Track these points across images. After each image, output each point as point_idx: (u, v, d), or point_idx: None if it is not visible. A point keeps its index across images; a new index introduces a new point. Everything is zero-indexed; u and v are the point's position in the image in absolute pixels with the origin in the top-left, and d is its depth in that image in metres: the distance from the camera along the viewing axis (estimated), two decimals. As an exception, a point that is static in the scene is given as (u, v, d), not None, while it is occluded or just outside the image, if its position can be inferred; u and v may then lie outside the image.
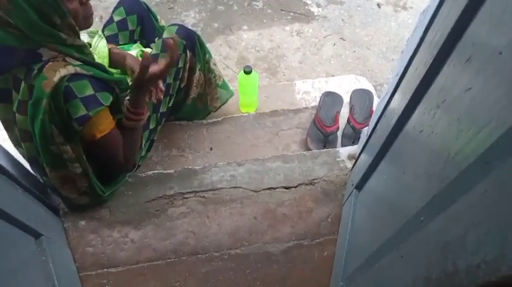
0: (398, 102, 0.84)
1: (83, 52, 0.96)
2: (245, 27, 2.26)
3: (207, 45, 2.11)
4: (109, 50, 1.22)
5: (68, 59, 0.92)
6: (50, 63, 0.89)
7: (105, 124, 0.99)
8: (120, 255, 1.16)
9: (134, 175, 1.30)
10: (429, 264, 0.45)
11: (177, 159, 1.47)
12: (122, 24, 1.37)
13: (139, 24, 1.41)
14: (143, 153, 1.29)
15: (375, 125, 1.05)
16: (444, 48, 0.64)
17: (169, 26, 1.31)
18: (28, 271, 0.90)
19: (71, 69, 0.90)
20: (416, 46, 0.82)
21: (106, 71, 1.01)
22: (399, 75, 0.90)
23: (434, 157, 0.55)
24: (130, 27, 1.39)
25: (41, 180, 1.15)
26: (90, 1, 0.94)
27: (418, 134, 0.68)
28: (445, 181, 0.49)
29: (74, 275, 1.12)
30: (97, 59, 1.16)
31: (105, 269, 1.15)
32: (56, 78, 0.87)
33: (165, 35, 1.27)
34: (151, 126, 1.29)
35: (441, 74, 0.64)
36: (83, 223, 1.21)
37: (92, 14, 0.96)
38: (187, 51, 1.30)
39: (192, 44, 1.31)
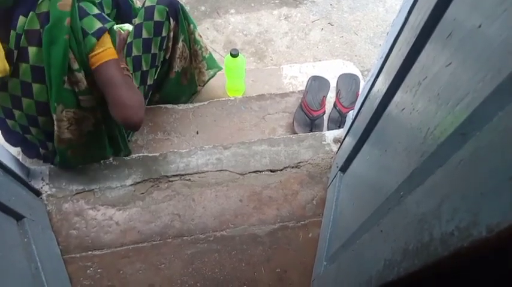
0: (382, 83, 0.85)
1: None
2: (232, 10, 2.23)
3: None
4: None
5: None
6: None
7: (110, 43, 1.02)
8: (105, 238, 1.16)
9: (119, 158, 1.28)
10: (407, 236, 0.46)
11: (163, 142, 1.45)
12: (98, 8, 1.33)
13: (114, 6, 1.38)
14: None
15: (360, 108, 1.05)
16: (427, 26, 0.64)
17: None
18: (10, 253, 0.89)
19: None
20: (401, 27, 0.82)
21: None
22: (383, 57, 0.91)
23: (415, 133, 0.56)
24: (106, 11, 1.36)
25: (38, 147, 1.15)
26: None
27: (400, 112, 0.68)
28: (424, 155, 0.50)
29: (58, 257, 1.11)
30: None
31: (90, 252, 1.14)
32: None
33: (147, 3, 1.27)
34: None
35: (423, 52, 0.64)
36: (66, 205, 1.19)
37: None
38: (171, 19, 1.28)
39: (175, 12, 1.29)
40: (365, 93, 1.03)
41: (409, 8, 0.80)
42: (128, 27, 1.32)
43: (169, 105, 1.53)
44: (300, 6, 2.25)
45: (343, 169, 1.08)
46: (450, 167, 0.40)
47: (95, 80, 1.03)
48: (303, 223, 1.19)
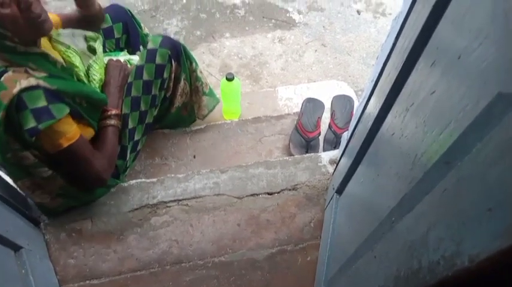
0: (374, 107, 0.86)
1: (46, 62, 0.95)
2: (227, 34, 2.28)
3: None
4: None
5: (30, 70, 0.91)
6: (10, 73, 0.88)
7: (70, 132, 0.98)
8: (103, 266, 1.15)
9: (116, 185, 1.29)
10: (398, 263, 0.47)
11: (160, 167, 1.46)
12: (108, 32, 1.37)
13: (124, 32, 1.42)
14: (128, 164, 1.29)
15: (354, 130, 1.07)
16: (413, 53, 0.66)
17: (154, 36, 1.31)
18: (7, 285, 0.89)
19: (32, 82, 0.89)
20: (389, 52, 0.84)
21: (79, 84, 1.02)
22: (374, 80, 0.93)
23: (404, 159, 0.57)
24: (116, 35, 1.40)
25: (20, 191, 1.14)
26: (34, 6, 0.85)
27: (391, 137, 0.69)
28: (413, 181, 0.51)
29: (56, 287, 1.10)
30: (95, 74, 1.17)
31: (88, 281, 1.13)
32: (15, 90, 0.86)
33: (149, 45, 1.27)
34: (137, 137, 1.29)
35: (410, 78, 0.66)
36: (64, 234, 1.19)
37: (41, 18, 0.88)
38: (172, 61, 1.30)
39: (177, 54, 1.31)
40: (358, 115, 1.05)
41: (396, 33, 0.83)
42: (134, 61, 1.35)
43: (166, 130, 1.55)
44: (293, 28, 2.30)
45: (339, 190, 1.09)
46: (435, 195, 0.41)
47: (47, 156, 1.00)
48: (301, 246, 1.19)
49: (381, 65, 0.89)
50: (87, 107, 1.05)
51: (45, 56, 0.95)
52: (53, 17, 1.17)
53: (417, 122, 0.55)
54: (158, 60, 1.25)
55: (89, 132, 1.10)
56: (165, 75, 1.29)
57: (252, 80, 2.10)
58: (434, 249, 0.37)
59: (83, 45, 1.16)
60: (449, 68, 0.49)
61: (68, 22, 1.19)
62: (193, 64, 1.40)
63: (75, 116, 1.01)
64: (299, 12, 2.36)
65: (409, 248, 0.44)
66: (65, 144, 0.98)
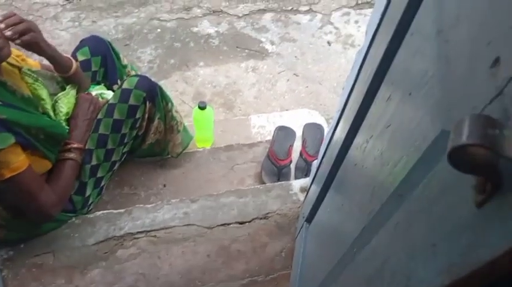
0: (339, 136, 0.88)
1: (3, 90, 0.94)
2: (201, 63, 2.30)
3: (163, 81, 2.13)
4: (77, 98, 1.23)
5: None
6: None
7: (15, 162, 0.95)
8: (64, 303, 1.10)
9: (81, 216, 1.25)
10: (358, 296, 0.47)
11: (129, 197, 1.43)
12: (86, 65, 1.35)
13: (102, 65, 1.39)
14: (91, 199, 1.25)
15: (322, 157, 1.08)
16: (372, 87, 0.68)
17: (131, 76, 1.29)
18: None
19: None
20: (353, 84, 0.87)
21: (34, 116, 1.00)
22: (340, 111, 0.95)
23: (365, 190, 0.58)
24: (94, 68, 1.37)
25: None
26: None
27: (354, 167, 0.71)
28: (371, 213, 0.52)
29: (11, 328, 1.03)
30: (62, 107, 1.15)
31: (47, 320, 1.07)
32: None
33: (125, 85, 1.25)
34: (101, 174, 1.25)
35: (370, 110, 0.68)
36: (23, 270, 1.13)
37: None
38: (147, 102, 1.27)
39: (152, 95, 1.28)
40: (326, 143, 1.06)
41: (359, 66, 0.86)
42: (107, 95, 1.33)
43: (136, 159, 1.52)
44: (266, 58, 2.35)
45: (309, 219, 1.09)
46: (389, 228, 0.41)
47: None
48: (272, 276, 1.17)
49: (346, 96, 0.92)
50: (45, 139, 1.03)
51: (3, 84, 0.94)
52: (34, 63, 1.16)
53: (375, 154, 0.57)
54: (132, 101, 1.23)
55: (44, 165, 1.07)
56: (138, 115, 1.26)
57: (225, 108, 2.12)
58: (388, 283, 0.37)
59: (54, 89, 1.17)
60: (402, 103, 0.51)
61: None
62: (169, 104, 1.38)
63: (27, 147, 0.99)
64: (272, 43, 2.42)
65: (368, 281, 0.44)
66: (7, 174, 0.94)
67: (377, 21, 0.73)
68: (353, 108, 0.78)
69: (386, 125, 0.55)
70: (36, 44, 1.01)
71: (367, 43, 0.83)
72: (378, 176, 0.53)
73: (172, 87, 2.15)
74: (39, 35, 1.02)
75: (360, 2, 2.55)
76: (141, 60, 2.26)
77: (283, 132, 1.65)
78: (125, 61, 1.50)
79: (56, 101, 1.16)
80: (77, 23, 2.37)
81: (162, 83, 2.19)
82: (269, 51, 2.38)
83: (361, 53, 0.88)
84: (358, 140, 0.71)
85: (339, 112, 0.99)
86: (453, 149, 0.23)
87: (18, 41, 0.95)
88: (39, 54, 1.07)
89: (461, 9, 0.35)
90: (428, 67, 0.42)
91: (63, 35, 2.31)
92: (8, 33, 0.92)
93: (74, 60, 1.20)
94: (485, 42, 0.29)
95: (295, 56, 2.37)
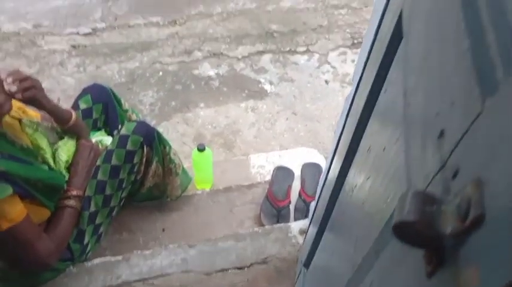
0: (330, 182, 0.89)
1: (2, 141, 0.97)
2: (202, 104, 2.35)
3: (164, 123, 2.17)
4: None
5: None
6: None
7: (12, 213, 0.96)
8: None
9: (79, 264, 1.24)
10: None
11: (128, 243, 1.42)
12: (87, 113, 1.39)
13: (104, 112, 1.44)
14: (89, 247, 1.25)
15: (318, 199, 1.08)
16: (355, 137, 0.70)
17: (128, 122, 1.32)
18: None
19: None
20: (341, 132, 0.89)
21: (32, 168, 1.02)
22: (330, 159, 0.96)
23: (349, 241, 0.58)
24: (95, 116, 1.42)
25: None
26: None
27: (342, 215, 0.71)
28: (354, 266, 0.52)
29: None
30: (62, 155, 1.18)
31: None
32: None
33: (122, 131, 1.28)
34: (99, 220, 1.26)
35: (354, 161, 0.69)
36: (18, 322, 1.12)
37: None
38: (144, 147, 1.29)
39: (150, 140, 1.30)
40: (321, 184, 1.07)
41: (346, 112, 0.88)
42: (106, 141, 1.37)
43: (135, 203, 1.53)
44: (265, 98, 2.40)
45: (306, 264, 1.07)
46: (365, 286, 0.41)
47: None
48: (271, 324, 1.14)
49: (336, 142, 0.93)
50: (44, 189, 1.05)
51: (2, 136, 0.97)
52: (34, 114, 1.21)
53: (358, 205, 0.57)
54: (129, 146, 1.25)
55: (43, 213, 1.09)
56: (136, 160, 1.28)
57: (225, 148, 2.14)
58: None
59: (54, 138, 1.20)
60: (379, 156, 0.52)
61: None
62: (167, 148, 1.40)
63: (25, 196, 1.00)
64: (270, 83, 2.47)
65: None
66: (5, 226, 0.95)
67: (360, 72, 0.76)
68: (341, 157, 0.80)
69: (366, 176, 0.56)
70: (37, 100, 1.06)
71: (352, 92, 0.85)
72: (360, 227, 0.53)
73: (173, 129, 2.19)
74: (41, 92, 1.06)
75: (355, 41, 2.63)
76: (143, 103, 2.32)
77: (282, 173, 1.66)
78: (126, 106, 1.54)
79: (55, 150, 1.19)
80: (81, 69, 2.46)
81: (163, 125, 2.25)
82: (268, 91, 2.43)
83: (348, 100, 0.90)
84: (346, 188, 0.72)
85: (332, 154, 1.00)
86: (395, 224, 0.23)
87: (19, 97, 0.99)
88: (39, 109, 1.11)
89: (419, 74, 0.37)
90: (398, 125, 0.44)
91: (68, 81, 2.39)
92: (12, 89, 0.96)
93: (73, 112, 1.24)
94: (434, 112, 0.30)
95: (294, 96, 2.41)
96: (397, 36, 0.46)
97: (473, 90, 0.23)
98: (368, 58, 0.66)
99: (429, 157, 0.29)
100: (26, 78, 1.01)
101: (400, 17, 0.46)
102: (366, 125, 0.65)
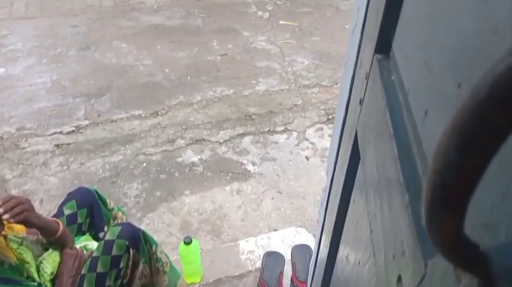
0: (321, 264, 0.88)
1: None
2: (187, 192, 2.36)
3: (150, 215, 2.15)
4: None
5: None
6: None
7: None
8: None
9: None
10: None
11: None
12: (72, 219, 1.38)
13: (88, 215, 1.43)
14: None
15: (311, 285, 1.06)
16: (336, 233, 0.72)
17: (113, 226, 1.31)
18: None
19: None
20: (322, 224, 0.91)
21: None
22: (317, 245, 0.97)
23: None
24: (80, 221, 1.41)
25: None
26: None
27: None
28: None
29: None
30: (47, 266, 1.15)
31: None
32: None
33: (107, 236, 1.26)
34: None
35: (341, 246, 0.70)
36: None
37: None
38: (131, 250, 1.27)
39: (136, 242, 1.29)
40: (312, 268, 1.06)
41: (325, 205, 0.91)
42: (91, 246, 1.34)
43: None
44: (249, 179, 2.43)
45: None
46: None
47: None
48: None
49: (321, 223, 0.95)
50: None
51: None
52: (20, 228, 1.20)
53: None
54: (115, 251, 1.23)
55: None
56: (122, 264, 1.25)
57: (213, 235, 2.11)
58: None
59: (38, 251, 1.19)
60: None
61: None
62: (153, 247, 1.38)
63: None
64: (253, 164, 2.53)
65: None
66: None
67: (331, 170, 0.80)
68: (326, 244, 0.81)
69: (358, 262, 0.57)
70: (28, 221, 1.07)
71: (328, 187, 0.89)
72: None
73: (159, 219, 2.17)
74: (32, 213, 1.09)
75: (330, 117, 2.76)
76: (127, 196, 2.32)
77: (272, 259, 1.63)
78: (111, 204, 1.54)
79: (40, 262, 1.16)
80: (65, 167, 2.48)
81: (149, 217, 2.22)
82: (252, 172, 2.47)
83: (325, 192, 0.94)
84: (338, 265, 0.72)
85: (317, 245, 1.00)
86: None
87: (12, 222, 1.01)
88: (30, 227, 1.12)
89: (376, 204, 0.41)
90: (367, 242, 0.46)
91: (52, 181, 2.39)
92: (5, 216, 0.99)
93: (60, 224, 1.24)
94: (391, 254, 0.32)
95: (277, 174, 2.46)
96: (355, 157, 0.50)
97: (416, 248, 0.26)
98: (335, 167, 0.71)
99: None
100: (17, 203, 1.03)
101: (355, 138, 0.51)
102: (340, 235, 0.67)
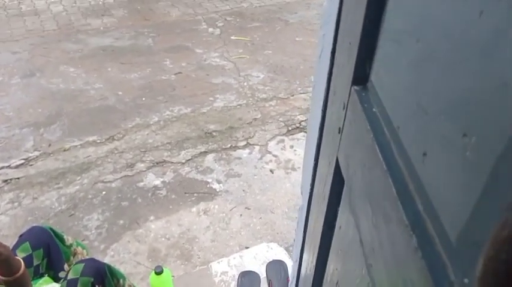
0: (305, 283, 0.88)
1: None
2: (152, 217, 2.28)
3: (114, 245, 2.05)
4: None
5: None
6: None
7: None
8: None
9: None
10: None
11: None
12: (27, 262, 1.26)
13: (45, 256, 1.33)
14: None
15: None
16: (322, 251, 0.71)
17: (75, 264, 1.24)
18: None
19: None
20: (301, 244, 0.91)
21: None
22: (298, 260, 0.97)
23: None
24: (36, 263, 1.30)
25: None
26: None
27: None
28: None
29: None
30: None
31: None
32: None
33: (70, 275, 1.19)
34: None
35: (329, 261, 0.70)
36: None
37: None
38: (97, 286, 1.22)
39: (101, 278, 1.23)
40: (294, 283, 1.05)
41: (303, 224, 0.91)
42: None
43: None
44: (215, 198, 2.40)
45: None
46: None
47: None
48: None
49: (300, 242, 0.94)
50: None
51: None
52: None
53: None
54: None
55: None
56: None
57: (183, 259, 2.05)
58: None
59: None
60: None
61: None
62: (121, 280, 1.32)
63: None
64: (218, 182, 2.50)
65: None
66: None
67: (308, 190, 0.80)
68: (310, 265, 0.80)
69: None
70: None
71: (305, 205, 0.89)
72: None
73: (125, 249, 2.07)
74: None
75: (290, 128, 2.80)
76: (88, 228, 2.20)
77: (247, 279, 1.60)
78: (69, 240, 1.45)
79: None
80: (16, 203, 2.31)
81: (113, 248, 2.12)
82: (217, 190, 2.44)
83: (302, 211, 0.94)
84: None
85: (297, 259, 1.00)
86: None
87: None
88: None
89: (369, 231, 0.41)
90: (358, 265, 0.46)
91: (2, 219, 2.21)
92: None
93: (22, 262, 1.14)
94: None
95: (243, 190, 2.44)
96: (338, 184, 0.50)
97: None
98: (312, 187, 0.71)
99: None
100: None
101: (337, 164, 0.51)
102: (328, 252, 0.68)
